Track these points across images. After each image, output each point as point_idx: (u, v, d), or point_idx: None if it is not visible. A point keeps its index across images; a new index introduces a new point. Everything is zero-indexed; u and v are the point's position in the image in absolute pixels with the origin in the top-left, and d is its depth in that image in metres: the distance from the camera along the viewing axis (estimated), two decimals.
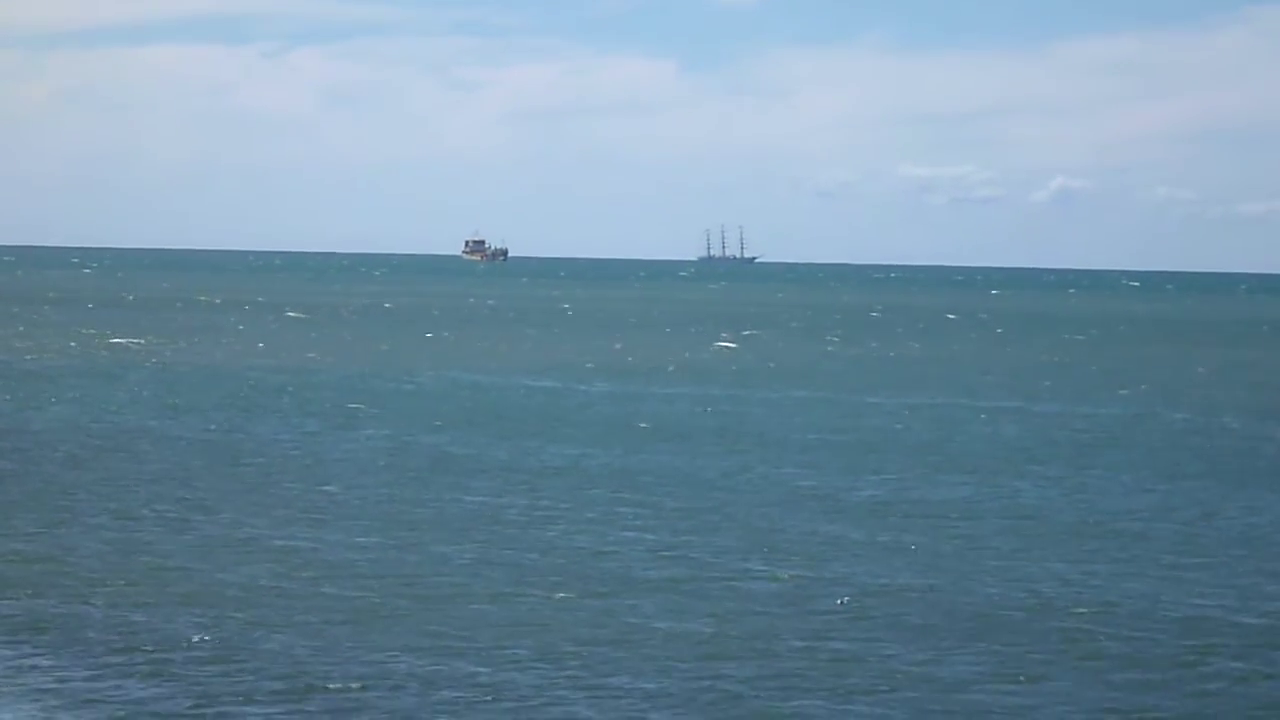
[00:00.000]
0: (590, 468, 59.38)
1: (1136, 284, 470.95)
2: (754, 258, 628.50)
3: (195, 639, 33.93)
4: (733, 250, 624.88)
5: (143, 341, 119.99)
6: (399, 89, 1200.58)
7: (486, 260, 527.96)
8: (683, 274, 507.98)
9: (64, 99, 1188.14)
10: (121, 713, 29.33)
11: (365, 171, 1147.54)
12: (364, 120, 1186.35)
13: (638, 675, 32.14)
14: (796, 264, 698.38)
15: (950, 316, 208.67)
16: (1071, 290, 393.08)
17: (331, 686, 30.98)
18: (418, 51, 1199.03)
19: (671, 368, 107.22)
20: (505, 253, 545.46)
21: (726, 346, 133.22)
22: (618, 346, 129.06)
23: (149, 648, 33.25)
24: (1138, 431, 74.98)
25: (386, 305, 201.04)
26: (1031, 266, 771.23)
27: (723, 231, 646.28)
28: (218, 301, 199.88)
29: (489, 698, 30.53)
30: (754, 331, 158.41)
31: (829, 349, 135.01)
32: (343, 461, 59.75)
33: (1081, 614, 37.85)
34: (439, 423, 72.12)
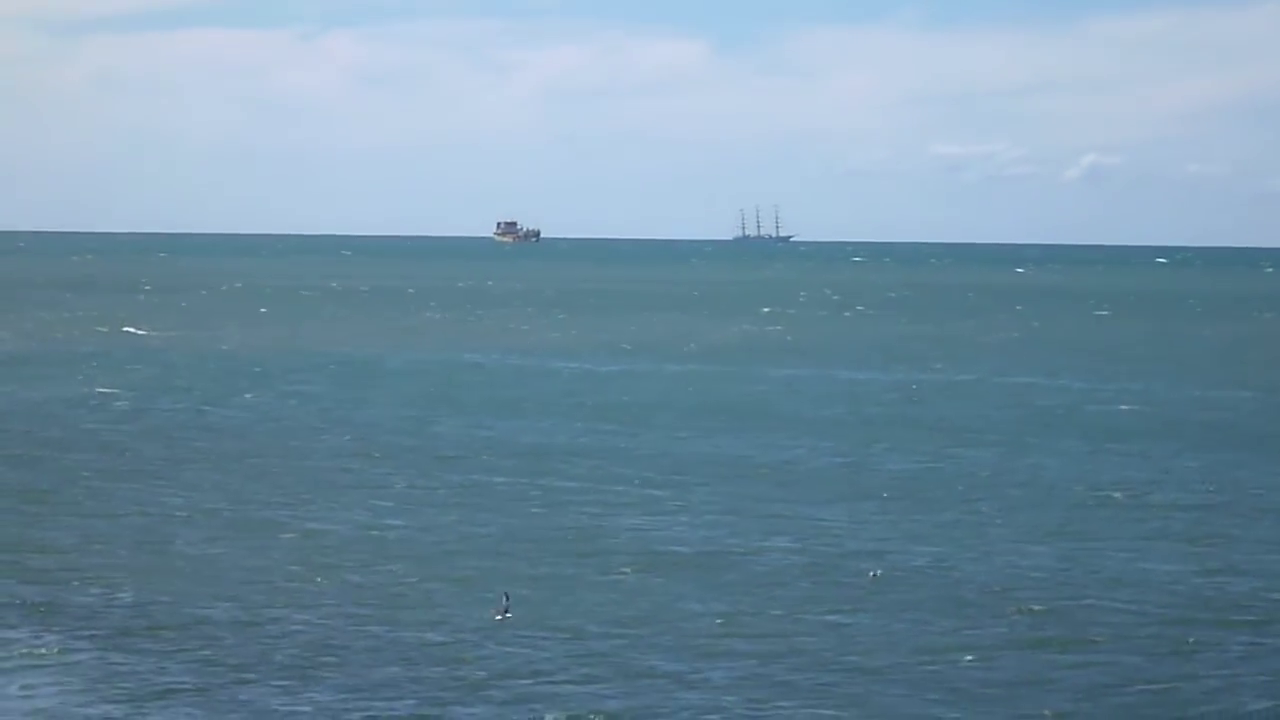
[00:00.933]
0: (616, 448, 59.45)
1: (1164, 260, 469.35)
2: (789, 236, 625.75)
3: (215, 619, 34.09)
4: (768, 230, 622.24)
5: (165, 326, 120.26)
6: (432, 71, 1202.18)
7: (518, 241, 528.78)
8: (708, 250, 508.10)
9: (98, 84, 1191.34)
10: (140, 691, 29.47)
11: (398, 154, 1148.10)
12: (397, 103, 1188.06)
13: (665, 653, 32.18)
14: (827, 242, 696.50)
15: (970, 295, 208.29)
16: (1101, 266, 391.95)
17: (353, 664, 31.11)
18: (450, 34, 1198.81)
19: (692, 347, 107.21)
20: (538, 234, 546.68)
21: (749, 328, 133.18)
22: (647, 327, 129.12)
23: (168, 627, 33.41)
24: (1155, 406, 74.82)
25: (410, 291, 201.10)
26: (1063, 243, 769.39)
27: (757, 211, 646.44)
28: (238, 286, 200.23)
29: (513, 676, 30.60)
30: (780, 309, 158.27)
31: (851, 328, 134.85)
32: (365, 442, 59.89)
33: (1099, 587, 37.88)
34: (460, 405, 72.30)
